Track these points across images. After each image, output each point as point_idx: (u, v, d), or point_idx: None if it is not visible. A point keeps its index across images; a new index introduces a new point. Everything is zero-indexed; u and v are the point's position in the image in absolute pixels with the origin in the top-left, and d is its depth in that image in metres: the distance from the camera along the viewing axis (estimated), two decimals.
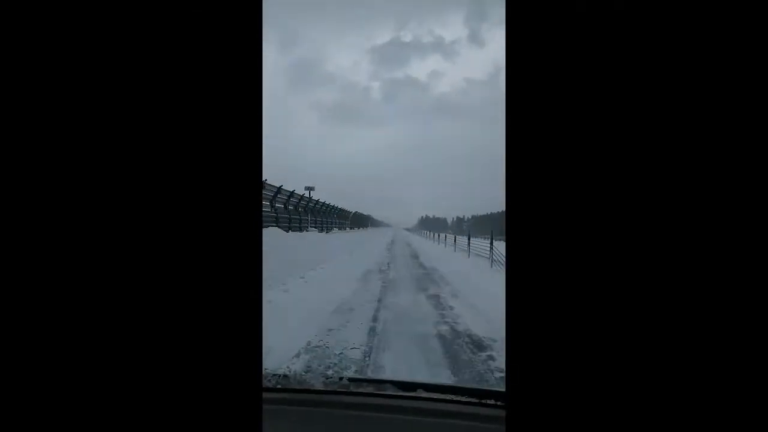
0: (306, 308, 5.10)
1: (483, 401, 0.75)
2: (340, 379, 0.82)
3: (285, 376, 0.82)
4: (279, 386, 0.81)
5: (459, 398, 0.76)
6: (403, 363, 3.00)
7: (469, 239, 15.95)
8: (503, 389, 0.71)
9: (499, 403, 0.74)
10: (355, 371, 2.28)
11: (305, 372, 0.84)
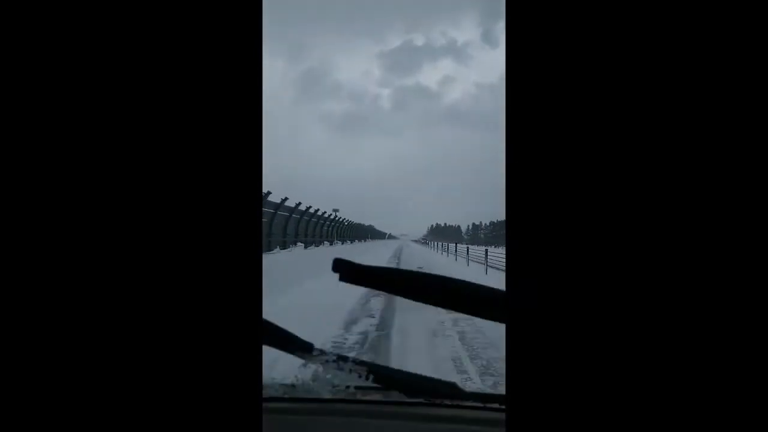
0: None
1: (487, 405, 0.87)
2: (347, 387, 0.95)
3: (292, 385, 0.96)
4: (286, 395, 0.94)
5: (463, 403, 0.89)
6: None
7: (486, 254, 16.07)
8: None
9: (503, 406, 0.86)
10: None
11: (313, 380, 0.97)
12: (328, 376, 0.98)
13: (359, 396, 0.94)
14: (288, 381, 0.97)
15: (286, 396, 0.92)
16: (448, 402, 0.89)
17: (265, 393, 0.94)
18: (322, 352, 0.88)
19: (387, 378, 0.91)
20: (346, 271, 0.67)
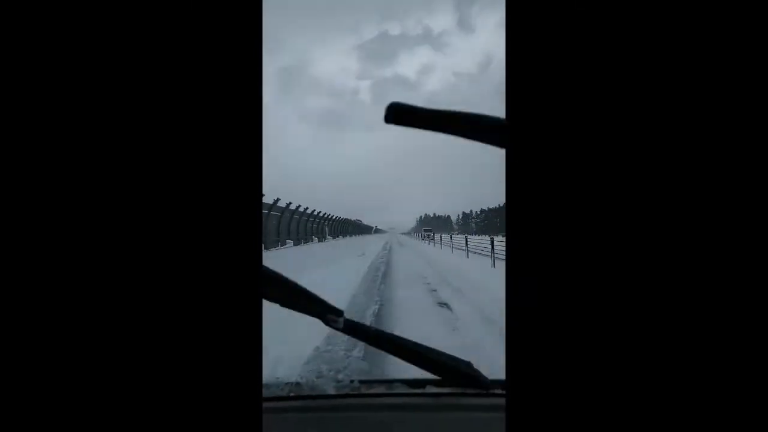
0: None
1: (491, 392, 0.89)
2: (351, 381, 0.98)
3: (297, 383, 0.99)
4: (291, 394, 0.97)
5: (466, 391, 0.90)
6: None
7: (467, 241, 16.72)
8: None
9: (504, 392, 0.90)
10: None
11: (317, 378, 1.01)
12: (332, 372, 1.02)
13: (363, 390, 0.98)
14: (293, 379, 1.01)
15: (291, 395, 0.96)
16: (453, 390, 0.93)
17: (271, 393, 0.98)
18: (347, 320, 0.89)
19: (401, 349, 0.91)
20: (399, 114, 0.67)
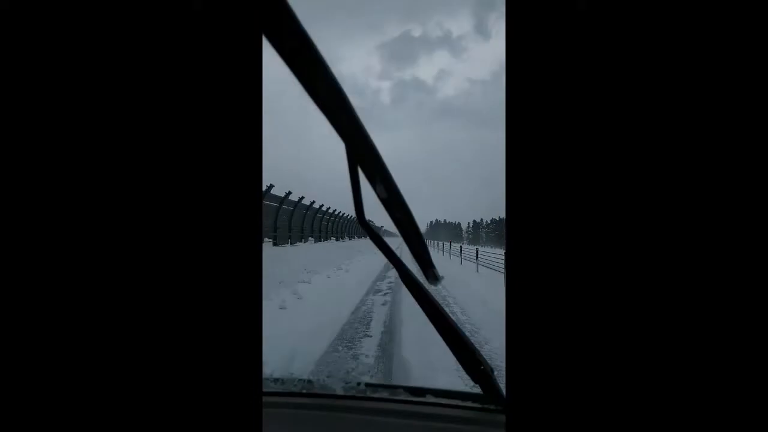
0: None
1: (486, 406, 0.92)
2: (358, 384, 1.08)
3: (309, 381, 1.09)
4: (304, 391, 1.07)
5: (464, 404, 0.95)
6: None
7: (477, 253, 16.62)
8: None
9: (501, 408, 0.90)
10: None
11: (327, 377, 1.11)
12: (342, 373, 1.12)
13: (369, 393, 1.07)
14: (305, 377, 1.11)
15: (305, 392, 1.06)
16: (451, 402, 0.99)
17: (283, 388, 1.08)
18: None
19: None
20: None
